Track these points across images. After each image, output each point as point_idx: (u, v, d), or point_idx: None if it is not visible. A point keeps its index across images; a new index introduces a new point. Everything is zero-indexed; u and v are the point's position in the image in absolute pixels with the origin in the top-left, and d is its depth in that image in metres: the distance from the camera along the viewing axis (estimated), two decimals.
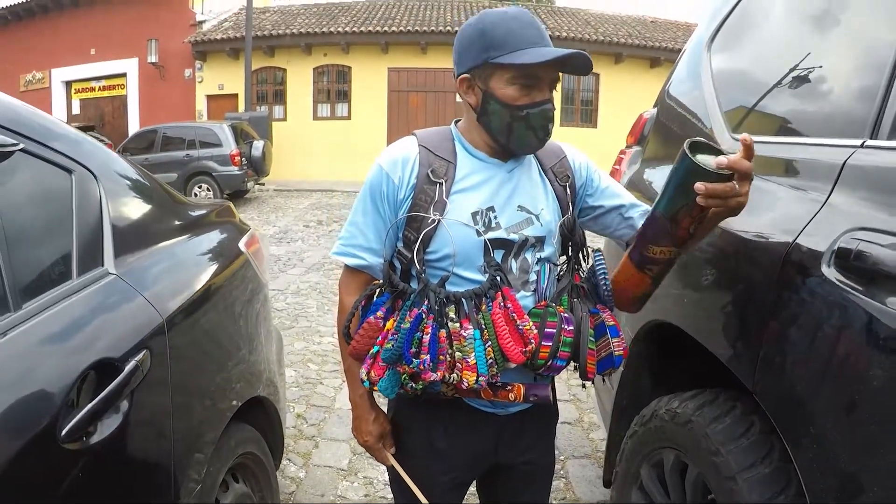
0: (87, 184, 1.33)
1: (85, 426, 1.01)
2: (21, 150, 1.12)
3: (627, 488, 1.70)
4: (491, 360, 1.10)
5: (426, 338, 1.11)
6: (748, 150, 0.97)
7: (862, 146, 1.14)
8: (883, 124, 1.11)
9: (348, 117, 15.61)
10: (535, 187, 1.26)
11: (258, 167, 11.63)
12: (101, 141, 13.56)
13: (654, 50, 14.84)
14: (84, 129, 12.42)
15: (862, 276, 0.99)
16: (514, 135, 1.18)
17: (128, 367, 1.13)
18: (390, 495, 1.54)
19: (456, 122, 1.30)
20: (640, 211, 1.31)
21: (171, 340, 1.35)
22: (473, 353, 1.09)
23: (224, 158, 10.92)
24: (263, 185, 12.86)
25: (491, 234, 1.18)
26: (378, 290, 1.22)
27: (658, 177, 1.94)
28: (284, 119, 15.56)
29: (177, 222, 1.70)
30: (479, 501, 1.62)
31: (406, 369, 1.12)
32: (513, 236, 1.20)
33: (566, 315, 1.17)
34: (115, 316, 1.24)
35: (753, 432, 1.25)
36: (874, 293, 0.95)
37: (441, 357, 1.10)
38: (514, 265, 1.22)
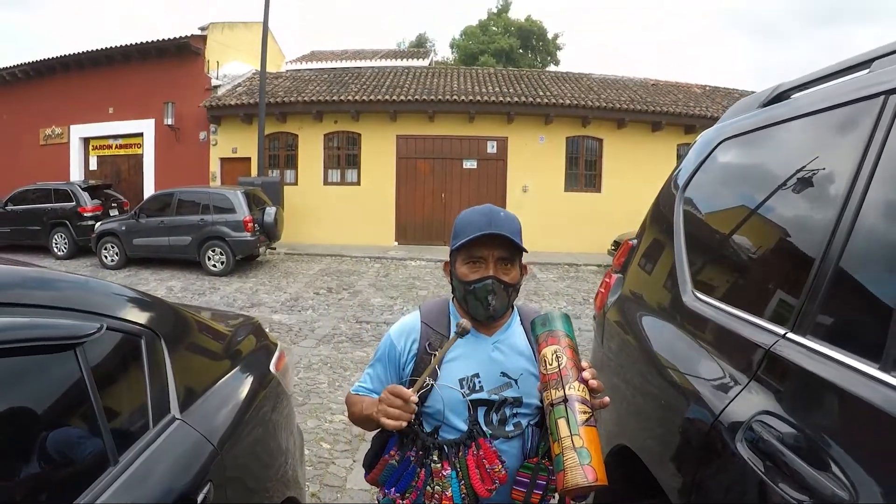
0: (153, 344, 1.59)
1: None
2: (106, 329, 1.34)
3: None
4: (464, 494, 1.43)
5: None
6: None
7: (784, 336, 1.25)
8: (802, 318, 1.22)
9: (358, 183, 15.85)
10: (518, 356, 1.55)
11: (270, 233, 11.95)
12: (117, 198, 13.87)
13: (656, 114, 14.92)
14: (101, 186, 12.90)
15: (763, 457, 1.16)
16: (469, 305, 1.51)
17: (199, 500, 1.42)
18: None
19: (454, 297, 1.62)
20: None
21: (224, 467, 1.64)
22: (450, 489, 1.43)
23: (237, 224, 11.20)
24: (275, 248, 13.13)
25: (474, 396, 1.49)
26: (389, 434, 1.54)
27: (652, 328, 2.08)
28: (296, 183, 15.81)
29: (222, 355, 2.01)
30: None
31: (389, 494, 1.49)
32: (494, 396, 1.50)
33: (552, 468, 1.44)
34: (185, 455, 1.52)
35: None
36: (770, 474, 1.12)
37: (412, 487, 1.46)
38: (494, 418, 1.52)
